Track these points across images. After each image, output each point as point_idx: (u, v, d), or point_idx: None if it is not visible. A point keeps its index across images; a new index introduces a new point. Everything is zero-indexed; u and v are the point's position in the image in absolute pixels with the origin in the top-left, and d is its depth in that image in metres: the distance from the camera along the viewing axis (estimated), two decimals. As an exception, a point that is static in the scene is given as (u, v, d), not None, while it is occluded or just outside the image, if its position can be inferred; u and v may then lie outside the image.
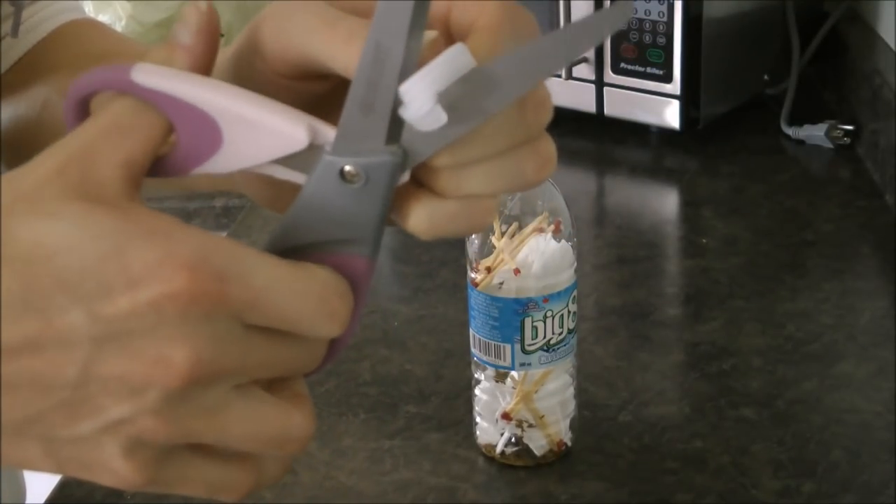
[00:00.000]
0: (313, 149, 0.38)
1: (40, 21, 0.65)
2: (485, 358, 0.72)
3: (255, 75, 0.41)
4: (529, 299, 0.69)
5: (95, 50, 0.63)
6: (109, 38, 0.66)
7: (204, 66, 0.39)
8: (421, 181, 0.39)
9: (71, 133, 0.37)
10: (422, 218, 0.39)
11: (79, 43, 0.65)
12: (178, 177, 0.39)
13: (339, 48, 0.38)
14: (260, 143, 0.38)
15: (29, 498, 0.81)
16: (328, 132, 0.38)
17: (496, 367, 0.72)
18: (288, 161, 0.38)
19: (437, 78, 0.36)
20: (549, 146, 0.40)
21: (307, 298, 0.36)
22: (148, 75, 0.37)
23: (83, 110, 0.39)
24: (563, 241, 0.70)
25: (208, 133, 0.38)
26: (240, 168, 0.38)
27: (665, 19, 1.15)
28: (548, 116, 0.39)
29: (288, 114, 0.38)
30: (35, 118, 0.62)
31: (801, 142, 1.20)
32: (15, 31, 0.60)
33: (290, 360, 0.38)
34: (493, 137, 0.38)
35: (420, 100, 0.36)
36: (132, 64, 0.37)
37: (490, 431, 0.74)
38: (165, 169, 0.39)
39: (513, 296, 0.70)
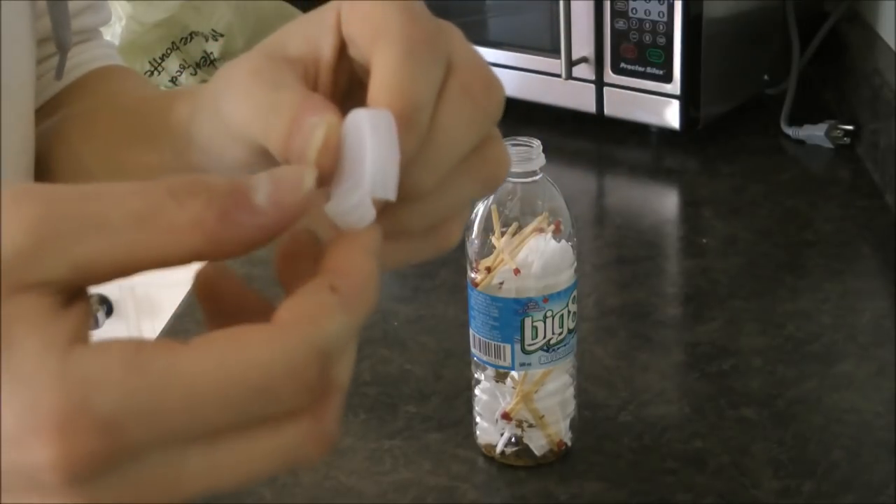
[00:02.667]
0: None
1: (74, 66, 0.65)
2: (485, 358, 0.72)
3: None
4: (529, 299, 0.69)
5: (125, 102, 0.62)
6: (138, 92, 0.65)
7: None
8: None
9: None
10: None
11: (102, 89, 0.64)
12: None
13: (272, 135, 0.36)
14: None
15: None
16: None
17: (496, 367, 0.72)
18: None
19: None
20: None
21: (270, 381, 0.29)
22: None
23: None
24: (563, 241, 0.70)
25: None
26: None
27: (665, 19, 1.14)
28: None
29: None
30: (42, 154, 0.61)
31: (801, 142, 1.20)
32: (59, 74, 0.60)
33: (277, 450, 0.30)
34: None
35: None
36: None
37: (490, 431, 0.74)
38: None
39: (513, 296, 0.70)
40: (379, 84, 0.35)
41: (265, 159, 0.38)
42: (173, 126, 0.46)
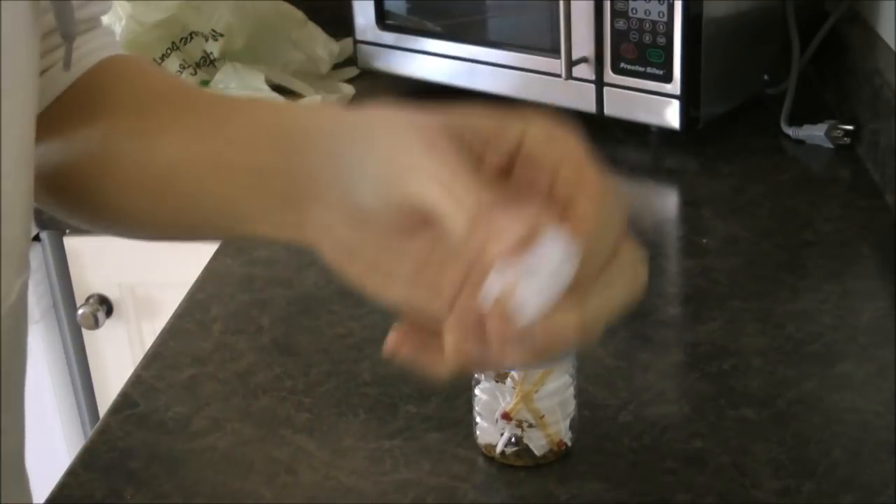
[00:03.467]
0: None
1: (82, 56, 0.65)
2: (485, 358, 0.72)
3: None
4: (529, 299, 0.69)
5: (159, 87, 0.63)
6: (168, 77, 0.66)
7: None
8: None
9: None
10: None
11: (136, 80, 0.65)
12: None
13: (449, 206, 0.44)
14: None
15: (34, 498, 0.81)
16: None
17: (496, 367, 0.72)
18: None
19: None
20: None
21: None
22: None
23: None
24: (563, 241, 0.70)
25: None
26: None
27: (665, 19, 1.14)
28: None
29: None
30: (90, 155, 0.61)
31: (801, 142, 1.20)
32: (67, 64, 0.60)
33: None
34: None
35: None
36: None
37: (490, 431, 0.74)
38: None
39: (513, 296, 0.69)
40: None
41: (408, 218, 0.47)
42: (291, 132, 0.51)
